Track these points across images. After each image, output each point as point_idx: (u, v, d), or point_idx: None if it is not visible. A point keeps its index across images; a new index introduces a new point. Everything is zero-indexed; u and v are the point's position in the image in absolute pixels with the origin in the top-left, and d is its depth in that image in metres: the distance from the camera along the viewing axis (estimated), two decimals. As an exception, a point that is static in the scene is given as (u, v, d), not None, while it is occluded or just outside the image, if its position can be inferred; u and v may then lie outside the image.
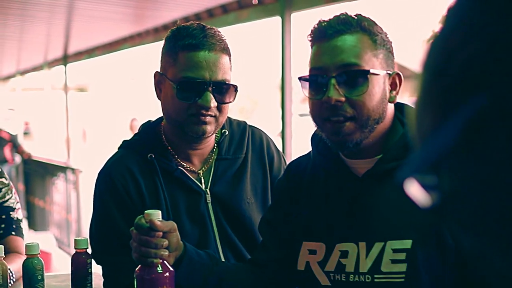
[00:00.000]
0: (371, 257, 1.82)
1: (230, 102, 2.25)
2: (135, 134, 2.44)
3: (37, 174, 11.73)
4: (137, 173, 2.29)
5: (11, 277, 2.45)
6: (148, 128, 2.41)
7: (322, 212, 1.95)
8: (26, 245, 2.23)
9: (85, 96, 32.32)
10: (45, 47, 10.07)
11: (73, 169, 10.16)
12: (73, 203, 10.20)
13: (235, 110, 29.00)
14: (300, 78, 1.92)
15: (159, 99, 2.31)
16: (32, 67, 12.63)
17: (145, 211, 1.86)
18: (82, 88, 32.14)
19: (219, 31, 2.25)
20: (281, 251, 2.06)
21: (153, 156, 2.29)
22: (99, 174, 2.37)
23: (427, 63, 0.59)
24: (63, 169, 10.49)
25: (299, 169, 2.10)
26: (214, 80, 2.17)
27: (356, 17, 1.85)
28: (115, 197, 2.28)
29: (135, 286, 1.84)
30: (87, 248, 2.27)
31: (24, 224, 2.95)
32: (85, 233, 9.94)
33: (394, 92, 1.89)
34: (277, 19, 5.16)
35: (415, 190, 0.59)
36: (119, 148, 2.42)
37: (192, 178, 2.32)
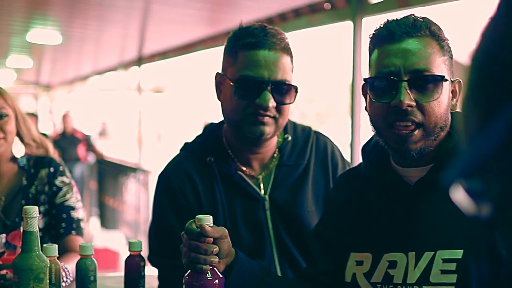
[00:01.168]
0: (420, 267, 1.75)
1: (290, 103, 2.19)
2: (197, 137, 2.41)
3: (110, 174, 11.93)
4: (195, 176, 2.27)
5: (68, 276, 2.44)
6: (210, 130, 2.39)
7: (371, 222, 1.89)
8: (80, 245, 2.22)
9: (161, 97, 32.76)
10: (120, 49, 10.21)
11: (144, 170, 10.27)
12: (143, 204, 10.31)
13: (310, 115, 28.93)
14: (366, 80, 1.85)
15: (219, 100, 2.28)
16: (108, 68, 12.84)
17: (196, 216, 1.82)
18: (158, 89, 32.59)
19: (281, 31, 2.20)
20: (331, 264, 1.99)
21: (212, 159, 2.26)
22: (159, 176, 2.36)
23: (475, 59, 0.53)
24: (134, 170, 10.62)
25: (349, 181, 2.04)
26: (274, 79, 2.12)
27: (424, 21, 1.78)
28: (172, 200, 2.27)
29: (184, 292, 1.80)
30: (141, 250, 2.24)
31: (89, 223, 2.96)
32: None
33: (454, 100, 1.83)
34: (349, 24, 5.09)
35: (461, 196, 0.53)
36: (180, 150, 2.41)
37: (251, 183, 2.28)
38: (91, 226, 12.03)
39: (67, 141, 12.13)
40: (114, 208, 11.54)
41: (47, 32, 8.23)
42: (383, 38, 1.79)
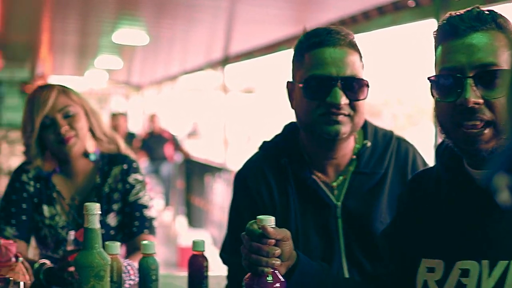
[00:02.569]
0: (494, 277, 1.63)
1: (363, 99, 2.11)
2: (276, 136, 2.36)
3: (196, 173, 12.03)
4: (270, 177, 2.24)
5: (137, 275, 2.43)
6: (289, 130, 2.34)
7: (444, 227, 1.77)
8: (142, 244, 2.21)
9: (251, 98, 32.89)
10: (207, 49, 10.29)
11: (229, 171, 10.30)
12: (228, 204, 10.32)
13: (401, 116, 28.49)
14: (429, 79, 1.75)
15: (292, 108, 2.23)
16: (195, 68, 12.96)
17: (257, 217, 1.75)
18: (249, 90, 32.73)
19: (346, 29, 2.14)
20: (400, 268, 1.89)
21: (287, 161, 2.22)
22: (236, 174, 2.36)
23: None
24: (220, 170, 10.67)
25: (422, 182, 1.93)
26: (343, 75, 2.05)
27: (490, 13, 1.67)
28: (247, 199, 2.25)
29: (244, 295, 1.74)
30: (204, 250, 2.21)
31: (171, 223, 2.98)
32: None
33: None
34: (432, 22, 4.95)
35: (502, 190, 0.46)
36: (258, 149, 2.38)
37: (325, 189, 2.20)
38: (178, 225, 12.17)
39: (154, 140, 12.35)
40: (200, 207, 11.63)
41: (134, 33, 8.35)
42: (447, 34, 1.70)
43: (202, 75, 13.26)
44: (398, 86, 28.17)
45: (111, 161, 2.91)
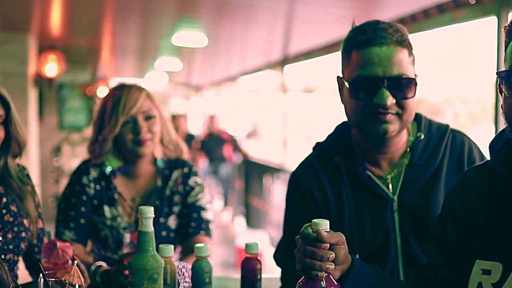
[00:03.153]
0: None
1: (411, 97, 2.09)
2: (328, 136, 2.37)
3: (255, 174, 12.05)
4: (323, 176, 2.24)
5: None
6: (340, 130, 2.34)
7: (502, 228, 1.71)
8: (195, 246, 2.21)
9: (311, 97, 32.80)
10: (266, 49, 10.29)
11: (288, 171, 10.28)
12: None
13: (463, 115, 28.04)
14: (499, 74, 1.70)
15: (342, 103, 2.22)
16: (255, 68, 12.98)
17: (312, 220, 1.74)
18: (309, 90, 32.65)
19: (396, 24, 2.11)
20: (450, 269, 1.85)
21: (340, 159, 2.22)
22: (290, 176, 2.36)
23: None
24: (278, 170, 10.66)
25: (475, 179, 1.87)
26: (389, 75, 2.03)
27: None
28: (300, 200, 2.26)
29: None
30: (258, 253, 2.20)
31: (230, 223, 2.99)
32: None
33: None
34: (493, 19, 4.84)
35: None
36: (312, 149, 2.39)
37: (379, 183, 2.19)
38: (236, 225, 12.21)
39: (213, 141, 12.42)
40: (259, 208, 11.64)
41: (193, 35, 8.40)
42: None
43: (261, 75, 13.27)
44: (460, 85, 27.71)
45: (171, 165, 2.95)
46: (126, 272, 2.26)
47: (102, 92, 11.71)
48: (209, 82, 17.76)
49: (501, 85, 1.70)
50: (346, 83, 2.13)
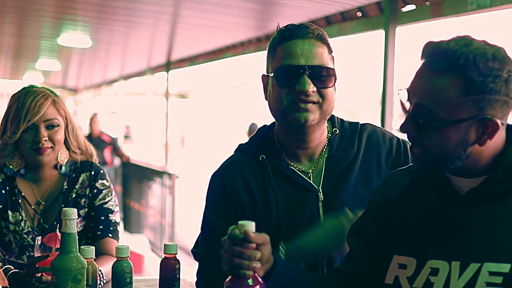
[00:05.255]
0: (465, 278, 1.73)
1: (331, 86, 2.22)
2: (251, 137, 2.46)
3: (135, 177, 11.96)
4: (247, 174, 2.32)
5: (102, 279, 2.46)
6: (263, 131, 2.44)
7: (418, 226, 1.87)
8: (116, 247, 2.24)
9: (185, 102, 32.86)
10: (148, 53, 10.26)
11: (170, 174, 10.29)
12: (168, 208, 10.33)
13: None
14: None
15: (266, 100, 2.33)
16: (136, 72, 12.90)
17: (239, 222, 1.81)
18: (183, 94, 32.69)
19: (316, 26, 2.27)
20: (369, 263, 1.99)
21: (265, 157, 2.32)
22: (211, 176, 2.41)
23: None
24: (160, 173, 10.65)
25: (398, 181, 2.02)
26: (310, 64, 2.17)
27: None
28: (224, 199, 2.32)
29: (225, 298, 1.80)
30: (176, 253, 2.25)
31: (120, 227, 2.98)
32: (179, 238, 10.08)
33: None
34: (381, 33, 5.08)
35: None
36: (235, 151, 2.46)
37: (304, 176, 2.31)
38: (115, 229, 12.03)
39: (93, 143, 12.10)
40: (139, 211, 11.58)
41: (77, 36, 8.29)
42: None
43: (142, 79, 13.20)
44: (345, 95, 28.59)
45: (78, 168, 2.92)
46: (38, 274, 2.25)
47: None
48: (87, 84, 17.48)
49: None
50: (271, 75, 2.24)
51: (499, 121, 1.69)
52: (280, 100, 2.21)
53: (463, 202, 1.80)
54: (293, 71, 2.17)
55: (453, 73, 1.68)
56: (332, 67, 2.24)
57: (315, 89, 2.17)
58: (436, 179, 1.87)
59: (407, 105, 1.78)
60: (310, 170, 2.32)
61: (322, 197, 2.28)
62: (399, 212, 1.94)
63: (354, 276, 2.03)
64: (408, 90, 1.77)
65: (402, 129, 1.78)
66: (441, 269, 1.78)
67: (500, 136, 1.76)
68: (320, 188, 2.29)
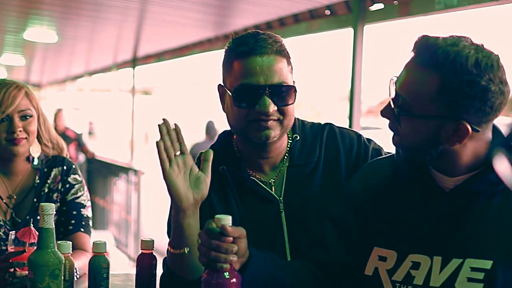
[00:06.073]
0: (446, 272, 1.78)
1: (291, 104, 2.19)
2: (212, 145, 2.39)
3: (100, 173, 11.90)
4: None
5: (76, 274, 2.46)
6: (223, 139, 2.40)
7: (399, 220, 1.90)
8: (93, 243, 2.24)
9: (149, 99, 32.67)
10: (114, 49, 10.20)
11: (135, 171, 10.25)
12: (134, 204, 10.30)
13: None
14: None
15: (224, 111, 2.29)
16: (101, 68, 12.81)
17: (216, 216, 1.83)
18: (147, 91, 32.49)
19: (274, 35, 2.20)
20: (345, 253, 2.02)
21: (225, 168, 2.28)
22: None
23: None
24: (125, 170, 10.61)
25: (379, 171, 2.05)
26: (270, 83, 2.12)
27: None
28: None
29: (201, 291, 1.82)
30: (153, 249, 2.26)
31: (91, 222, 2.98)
32: (144, 234, 10.04)
33: None
34: (349, 31, 5.13)
35: None
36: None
37: (265, 187, 2.28)
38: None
39: (58, 139, 12.02)
40: (103, 208, 11.52)
41: (43, 31, 8.21)
42: None
43: (108, 75, 13.11)
44: (311, 93, 28.64)
45: (50, 162, 2.92)
46: (11, 270, 2.25)
47: None
48: (51, 80, 17.32)
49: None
50: (229, 92, 2.19)
51: (469, 126, 1.72)
52: (240, 119, 2.17)
53: (447, 199, 1.84)
54: (252, 91, 2.12)
55: (431, 69, 1.72)
56: (292, 81, 2.19)
57: (275, 108, 2.13)
58: (422, 175, 1.90)
59: (393, 93, 1.81)
60: (272, 180, 2.30)
61: (283, 208, 2.26)
62: (380, 204, 1.97)
63: (331, 265, 2.05)
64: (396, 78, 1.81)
65: (381, 113, 1.82)
66: (422, 263, 1.82)
67: (480, 140, 1.79)
68: (281, 199, 2.27)
